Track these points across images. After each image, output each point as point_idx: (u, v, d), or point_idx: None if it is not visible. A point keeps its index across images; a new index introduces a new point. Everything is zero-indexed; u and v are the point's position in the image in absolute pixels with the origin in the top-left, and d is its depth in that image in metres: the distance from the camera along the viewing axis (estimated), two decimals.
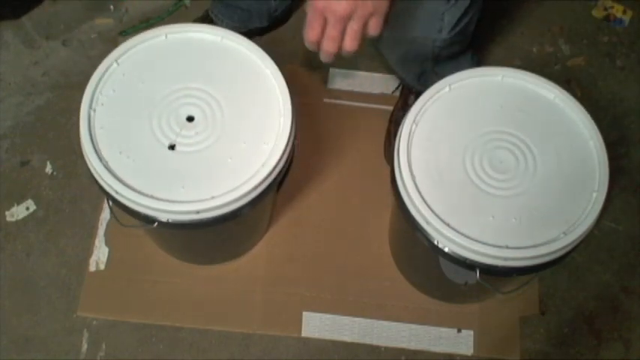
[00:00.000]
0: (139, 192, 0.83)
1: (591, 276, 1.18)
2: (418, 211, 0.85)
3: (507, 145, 0.90)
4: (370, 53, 1.35)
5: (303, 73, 1.32)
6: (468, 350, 1.11)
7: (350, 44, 0.77)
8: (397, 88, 1.27)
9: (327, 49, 0.78)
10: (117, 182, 0.83)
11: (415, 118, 0.91)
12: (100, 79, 0.91)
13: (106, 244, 1.17)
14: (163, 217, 0.85)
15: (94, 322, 1.12)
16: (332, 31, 0.76)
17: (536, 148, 0.89)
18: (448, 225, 0.83)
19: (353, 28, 0.76)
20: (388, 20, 0.78)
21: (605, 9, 1.43)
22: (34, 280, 1.14)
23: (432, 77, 1.06)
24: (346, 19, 0.75)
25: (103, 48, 1.34)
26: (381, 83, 1.32)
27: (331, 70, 1.33)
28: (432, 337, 1.12)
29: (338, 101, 1.29)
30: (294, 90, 0.91)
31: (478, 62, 1.15)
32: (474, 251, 0.83)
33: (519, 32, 1.40)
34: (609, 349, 1.13)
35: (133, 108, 0.89)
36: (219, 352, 1.10)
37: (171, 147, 0.88)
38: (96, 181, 0.87)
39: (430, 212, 0.84)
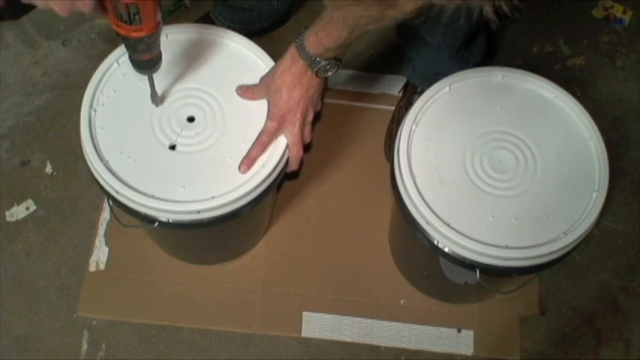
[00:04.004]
0: (140, 192, 0.83)
1: (591, 276, 1.18)
2: (418, 211, 0.85)
3: (507, 145, 0.90)
4: (370, 53, 1.35)
5: None
6: (468, 350, 1.11)
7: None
8: (403, 87, 1.27)
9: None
10: (118, 182, 0.83)
11: (415, 118, 0.91)
12: (101, 79, 0.91)
13: (106, 244, 1.16)
14: (164, 217, 0.85)
15: (94, 322, 1.12)
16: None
17: (536, 148, 0.89)
18: (448, 225, 0.83)
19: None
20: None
21: (605, 9, 1.43)
22: (34, 280, 1.14)
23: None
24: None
25: (103, 48, 1.34)
26: (381, 83, 1.32)
27: None
28: (432, 337, 1.12)
29: (338, 101, 1.29)
30: None
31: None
32: (474, 251, 0.83)
33: (519, 32, 1.40)
34: (609, 349, 1.13)
35: (134, 108, 0.90)
36: (219, 352, 1.10)
37: (172, 147, 0.88)
38: (96, 181, 0.87)
39: (430, 212, 0.84)
